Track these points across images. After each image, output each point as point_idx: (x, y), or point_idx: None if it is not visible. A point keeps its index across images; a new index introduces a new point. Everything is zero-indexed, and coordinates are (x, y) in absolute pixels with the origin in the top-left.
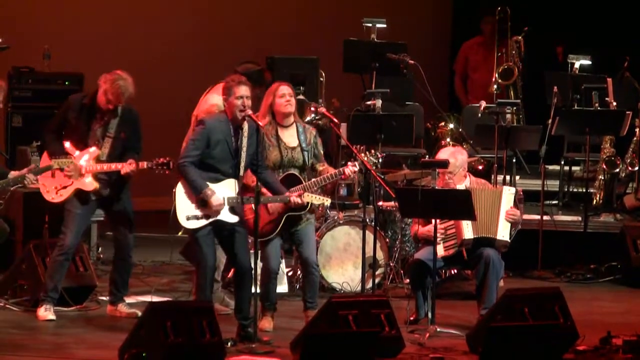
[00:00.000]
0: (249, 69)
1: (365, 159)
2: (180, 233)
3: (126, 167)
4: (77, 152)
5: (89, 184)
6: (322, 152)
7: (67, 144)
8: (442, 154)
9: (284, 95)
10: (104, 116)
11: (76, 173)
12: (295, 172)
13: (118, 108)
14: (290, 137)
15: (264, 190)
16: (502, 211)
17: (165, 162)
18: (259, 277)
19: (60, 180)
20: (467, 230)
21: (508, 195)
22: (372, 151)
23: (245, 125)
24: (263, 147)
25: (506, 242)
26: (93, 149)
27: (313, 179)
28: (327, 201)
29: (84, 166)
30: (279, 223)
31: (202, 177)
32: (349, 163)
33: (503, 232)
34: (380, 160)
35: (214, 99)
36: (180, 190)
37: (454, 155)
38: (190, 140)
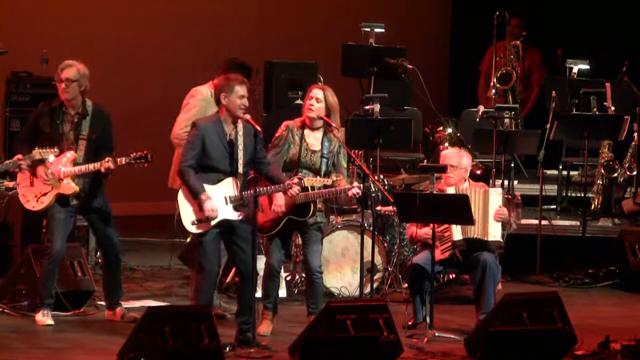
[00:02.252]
0: (235, 60)
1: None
2: (189, 239)
3: (105, 164)
4: (54, 158)
5: (68, 187)
6: (344, 164)
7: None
8: (448, 152)
9: (311, 98)
10: (73, 117)
11: (54, 179)
12: (310, 175)
13: (88, 108)
14: (314, 139)
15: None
16: (491, 212)
17: (143, 155)
18: (259, 281)
19: (39, 188)
20: (457, 232)
21: (495, 196)
22: (382, 176)
23: (240, 124)
24: (286, 142)
25: (500, 243)
26: (70, 153)
27: (316, 190)
28: (328, 181)
29: (62, 170)
30: (279, 223)
31: (202, 180)
32: (355, 184)
33: (494, 233)
34: (386, 186)
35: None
36: (182, 195)
37: (459, 154)
38: (186, 144)
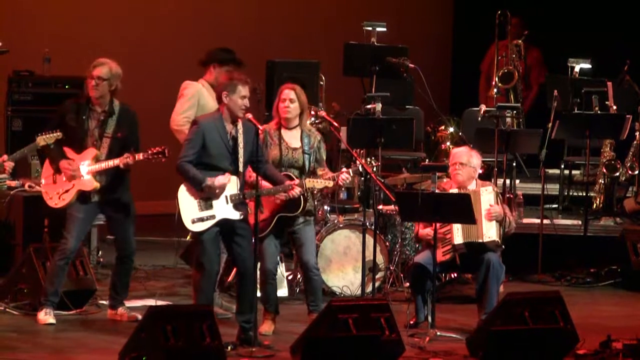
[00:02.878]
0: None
1: (360, 167)
2: (189, 237)
3: (123, 160)
4: (77, 157)
5: (89, 183)
6: (324, 157)
7: (68, 153)
8: (458, 150)
9: (285, 100)
10: (99, 115)
11: (77, 174)
12: (295, 172)
13: (115, 107)
14: (292, 138)
15: (263, 183)
16: (483, 212)
17: (161, 150)
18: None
19: (61, 185)
20: (457, 235)
21: (487, 195)
22: (372, 157)
23: (239, 122)
24: (263, 144)
25: (496, 242)
26: (91, 150)
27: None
28: (330, 183)
29: (83, 167)
30: (271, 222)
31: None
32: (344, 169)
33: (489, 233)
34: (374, 169)
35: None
36: (182, 194)
37: (469, 153)
38: (186, 141)
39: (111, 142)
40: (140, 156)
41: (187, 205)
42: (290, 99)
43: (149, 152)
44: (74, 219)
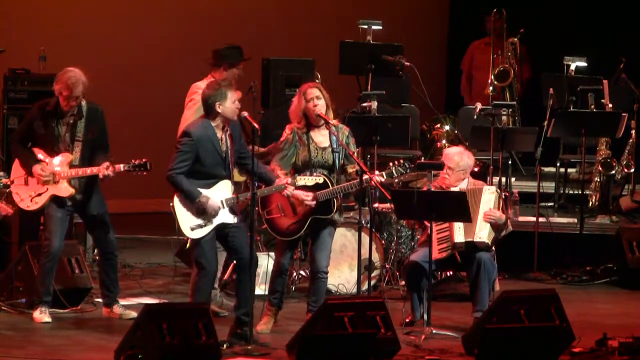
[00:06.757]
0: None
1: (393, 169)
2: (188, 245)
3: (103, 171)
4: (49, 159)
5: (65, 189)
6: (355, 150)
7: (40, 154)
8: (449, 153)
9: (312, 99)
10: (69, 119)
11: (51, 180)
12: (325, 172)
13: (82, 108)
14: (321, 136)
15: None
16: (481, 212)
17: (142, 163)
18: (258, 277)
19: (34, 188)
20: (459, 234)
21: (488, 194)
22: (401, 161)
23: (227, 124)
24: (292, 144)
25: (486, 244)
26: (65, 155)
27: (335, 187)
28: (320, 179)
29: (59, 172)
30: (304, 225)
31: (195, 185)
32: (376, 172)
33: (480, 234)
34: (408, 170)
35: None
36: (177, 202)
37: (461, 154)
38: (178, 152)
39: (82, 146)
40: (120, 167)
41: (184, 213)
42: (316, 96)
43: (131, 163)
44: (53, 219)
